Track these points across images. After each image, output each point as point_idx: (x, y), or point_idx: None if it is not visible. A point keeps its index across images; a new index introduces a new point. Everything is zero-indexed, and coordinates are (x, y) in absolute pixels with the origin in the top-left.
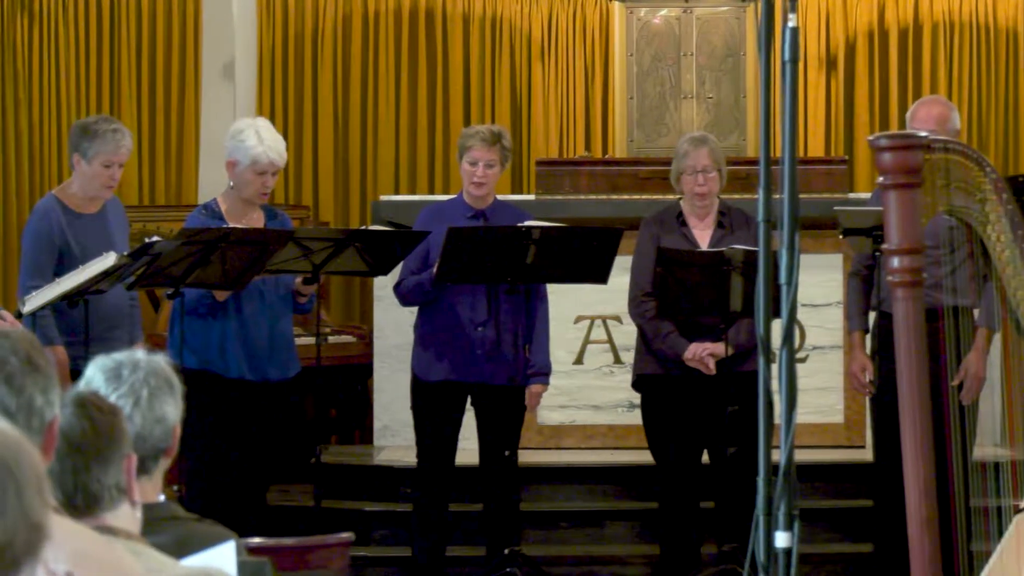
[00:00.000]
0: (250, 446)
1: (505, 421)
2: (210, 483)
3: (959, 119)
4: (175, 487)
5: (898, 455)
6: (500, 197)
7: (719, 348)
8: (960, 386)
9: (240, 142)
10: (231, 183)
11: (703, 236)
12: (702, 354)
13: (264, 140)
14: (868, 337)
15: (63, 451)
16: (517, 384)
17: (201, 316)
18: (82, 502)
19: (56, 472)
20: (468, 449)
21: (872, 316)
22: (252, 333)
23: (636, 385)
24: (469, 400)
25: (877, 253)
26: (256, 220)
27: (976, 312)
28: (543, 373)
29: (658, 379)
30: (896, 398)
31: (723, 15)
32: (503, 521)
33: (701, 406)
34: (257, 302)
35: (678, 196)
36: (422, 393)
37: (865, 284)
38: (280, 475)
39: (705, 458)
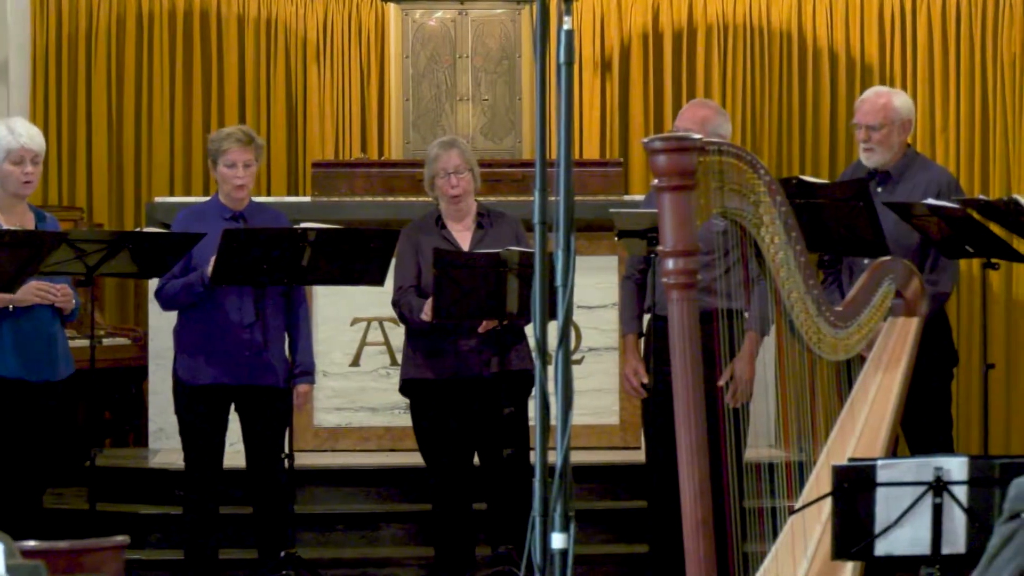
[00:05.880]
0: (24, 448)
1: (274, 423)
2: None
3: (729, 125)
4: None
5: (672, 456)
6: (255, 199)
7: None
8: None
9: None
10: None
11: (463, 238)
12: None
13: (14, 130)
14: (642, 340)
15: None
16: (283, 385)
17: None
18: None
19: None
20: (241, 452)
21: (646, 319)
22: (27, 334)
23: (403, 390)
24: (235, 403)
25: (652, 255)
26: (27, 223)
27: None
28: (308, 372)
29: (424, 383)
30: (669, 400)
31: (498, 17)
32: (275, 523)
33: (469, 408)
34: (32, 303)
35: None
36: (189, 397)
37: (638, 288)
38: (54, 478)
39: (476, 460)
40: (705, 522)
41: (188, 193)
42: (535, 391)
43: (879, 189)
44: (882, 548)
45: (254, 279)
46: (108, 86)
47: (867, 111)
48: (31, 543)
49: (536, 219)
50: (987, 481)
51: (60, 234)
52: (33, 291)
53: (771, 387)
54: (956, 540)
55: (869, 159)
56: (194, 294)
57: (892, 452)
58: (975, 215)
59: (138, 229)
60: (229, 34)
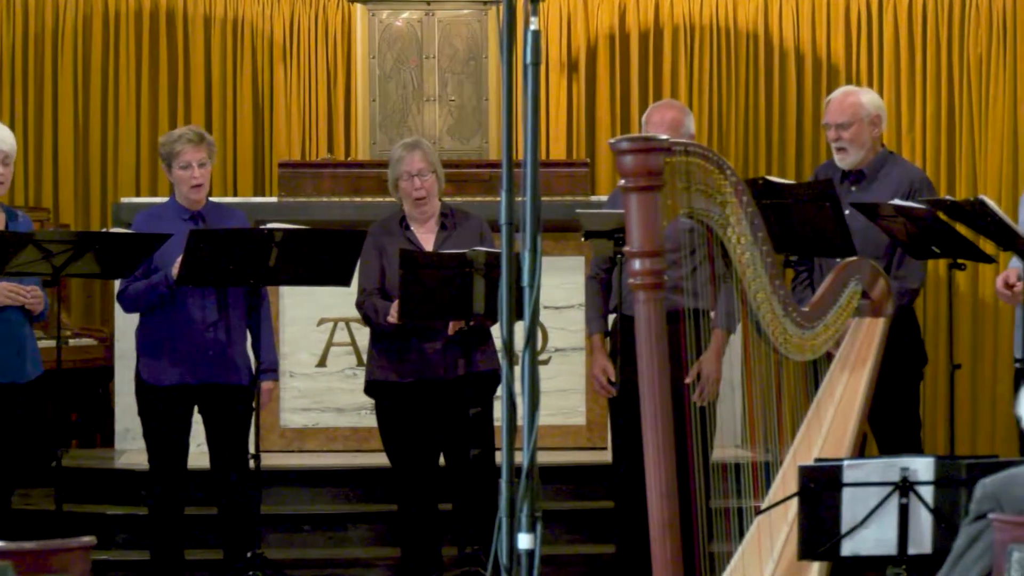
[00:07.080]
0: None
1: (239, 421)
2: None
3: (693, 122)
4: None
5: (639, 456)
6: (214, 199)
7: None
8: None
9: None
10: None
11: (427, 239)
12: None
13: None
14: (608, 339)
15: None
16: (247, 384)
17: None
18: None
19: None
20: (206, 452)
21: (612, 319)
22: None
23: (367, 391)
24: (198, 403)
25: (619, 255)
26: None
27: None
28: (272, 369)
29: (389, 385)
30: (636, 400)
31: (465, 18)
32: (241, 524)
33: (435, 409)
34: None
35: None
36: (152, 398)
37: (603, 287)
38: (21, 479)
39: (442, 460)
40: (672, 522)
41: (154, 194)
42: (501, 391)
43: (853, 188)
44: (848, 548)
45: (220, 280)
46: (74, 86)
47: (834, 110)
48: None
49: (503, 220)
50: (953, 481)
51: (25, 235)
52: (4, 292)
53: (738, 387)
54: (922, 540)
55: (843, 160)
56: (158, 296)
57: (859, 452)
58: (942, 216)
59: (104, 230)
60: (195, 34)
